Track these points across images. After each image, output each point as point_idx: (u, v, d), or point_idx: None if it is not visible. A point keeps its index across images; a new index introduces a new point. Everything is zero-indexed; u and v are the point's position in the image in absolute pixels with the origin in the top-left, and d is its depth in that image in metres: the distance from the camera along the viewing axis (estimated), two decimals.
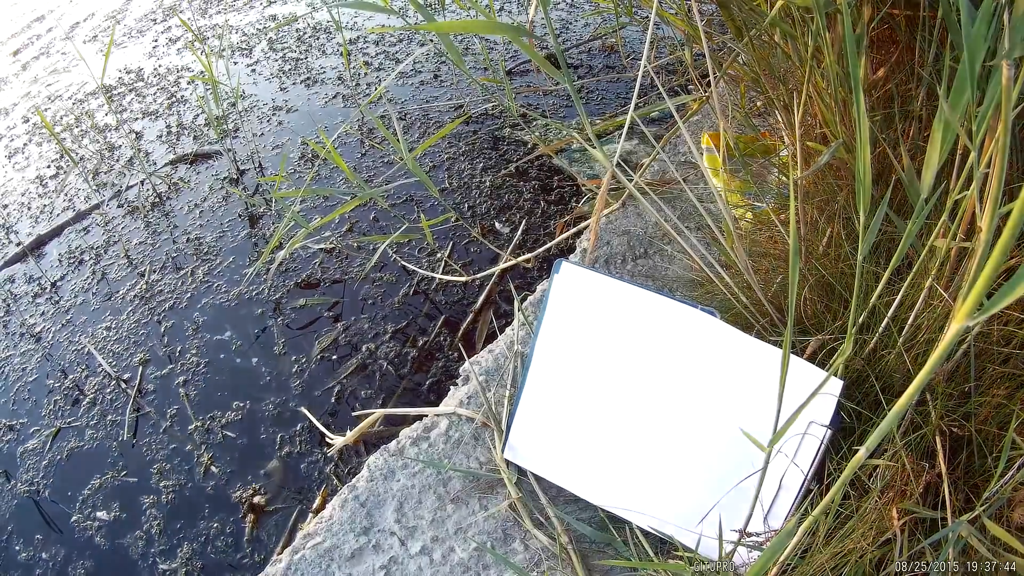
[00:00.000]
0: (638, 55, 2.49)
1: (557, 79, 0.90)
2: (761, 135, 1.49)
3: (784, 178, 1.32)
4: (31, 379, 1.78)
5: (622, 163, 1.51)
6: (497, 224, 1.89)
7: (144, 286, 1.96)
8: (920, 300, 0.87)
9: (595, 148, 1.04)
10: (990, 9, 0.58)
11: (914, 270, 0.86)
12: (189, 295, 1.89)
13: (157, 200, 2.31)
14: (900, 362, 0.91)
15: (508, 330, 1.43)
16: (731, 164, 1.42)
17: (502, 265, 1.68)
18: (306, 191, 1.45)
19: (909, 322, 0.89)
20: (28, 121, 3.12)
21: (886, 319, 0.91)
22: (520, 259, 1.68)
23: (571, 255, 1.61)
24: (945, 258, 0.84)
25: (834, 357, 0.88)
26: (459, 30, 0.90)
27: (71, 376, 1.76)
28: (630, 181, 1.42)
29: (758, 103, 1.52)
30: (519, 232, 1.84)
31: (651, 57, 2.03)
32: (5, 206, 2.52)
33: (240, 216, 2.15)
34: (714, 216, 1.31)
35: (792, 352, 0.95)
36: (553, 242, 1.69)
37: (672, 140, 1.86)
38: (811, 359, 0.97)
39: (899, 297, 0.88)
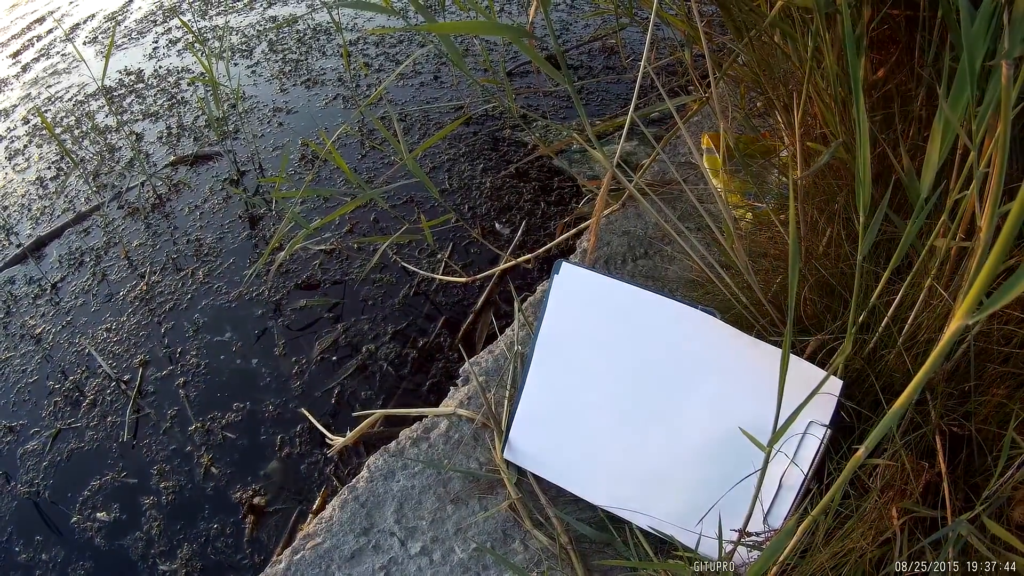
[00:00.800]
0: (638, 56, 2.49)
1: (557, 80, 0.90)
2: (761, 135, 1.49)
3: (784, 178, 1.32)
4: (31, 380, 1.79)
5: (622, 164, 1.51)
6: (497, 225, 1.89)
7: (144, 287, 1.96)
8: (920, 300, 0.87)
9: (595, 149, 1.04)
10: (990, 9, 0.58)
11: (914, 270, 0.86)
12: (189, 296, 1.89)
13: (157, 201, 2.31)
14: (900, 362, 0.91)
15: (508, 330, 1.43)
16: (731, 165, 1.43)
17: (502, 266, 1.68)
18: (306, 191, 1.45)
19: (909, 322, 0.89)
20: (29, 123, 3.13)
21: (886, 319, 0.91)
22: (520, 260, 1.68)
23: (571, 255, 1.61)
24: (945, 258, 0.84)
25: (834, 357, 0.88)
26: (460, 31, 0.90)
27: (71, 377, 1.76)
28: (630, 182, 1.42)
29: (758, 104, 1.52)
30: (519, 233, 1.84)
31: (651, 58, 2.03)
32: (6, 207, 2.52)
33: (240, 217, 2.16)
34: (714, 216, 1.31)
35: (792, 352, 0.95)
36: (553, 243, 1.69)
37: (672, 141, 1.86)
38: (811, 359, 0.97)
39: (899, 297, 0.88)
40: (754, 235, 1.27)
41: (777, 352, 0.95)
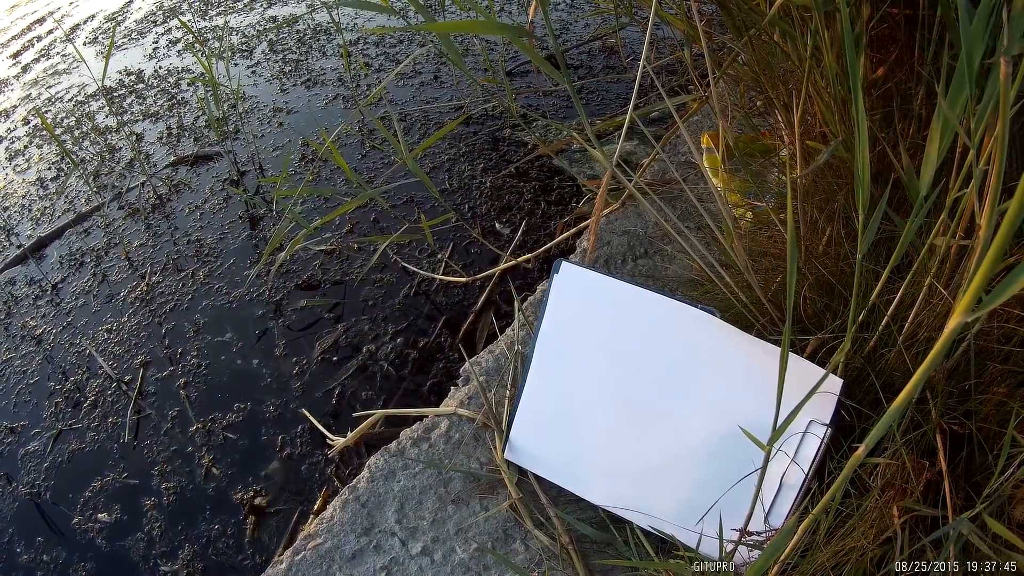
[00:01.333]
0: (638, 56, 2.48)
1: (557, 80, 0.90)
2: (761, 135, 1.49)
3: (784, 177, 1.32)
4: (32, 381, 1.79)
5: (622, 163, 1.51)
6: (497, 225, 1.89)
7: (145, 288, 1.96)
8: (920, 298, 0.87)
9: (595, 148, 1.04)
10: (988, 7, 0.58)
11: (914, 268, 0.86)
12: (190, 297, 1.89)
13: (158, 202, 2.32)
14: (900, 360, 0.91)
15: (508, 330, 1.43)
16: (731, 164, 1.42)
17: (502, 266, 1.68)
18: (306, 190, 1.45)
19: (909, 320, 0.89)
20: (29, 123, 3.13)
21: (886, 318, 0.91)
22: (520, 259, 1.68)
23: (571, 255, 1.61)
24: (945, 256, 0.84)
25: (834, 355, 0.88)
26: (459, 30, 0.90)
27: (72, 378, 1.76)
28: (630, 181, 1.42)
29: (758, 103, 1.52)
30: (519, 233, 1.84)
31: (651, 57, 2.03)
32: (6, 208, 2.52)
33: (241, 218, 2.16)
34: (714, 216, 1.31)
35: (792, 350, 0.95)
36: (553, 242, 1.69)
37: (672, 140, 1.86)
38: (811, 357, 0.97)
39: (899, 296, 0.88)
40: (754, 234, 1.27)
41: (777, 351, 0.95)
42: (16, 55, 4.11)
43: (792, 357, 0.92)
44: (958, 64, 0.61)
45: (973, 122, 0.65)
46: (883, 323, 0.91)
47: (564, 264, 1.10)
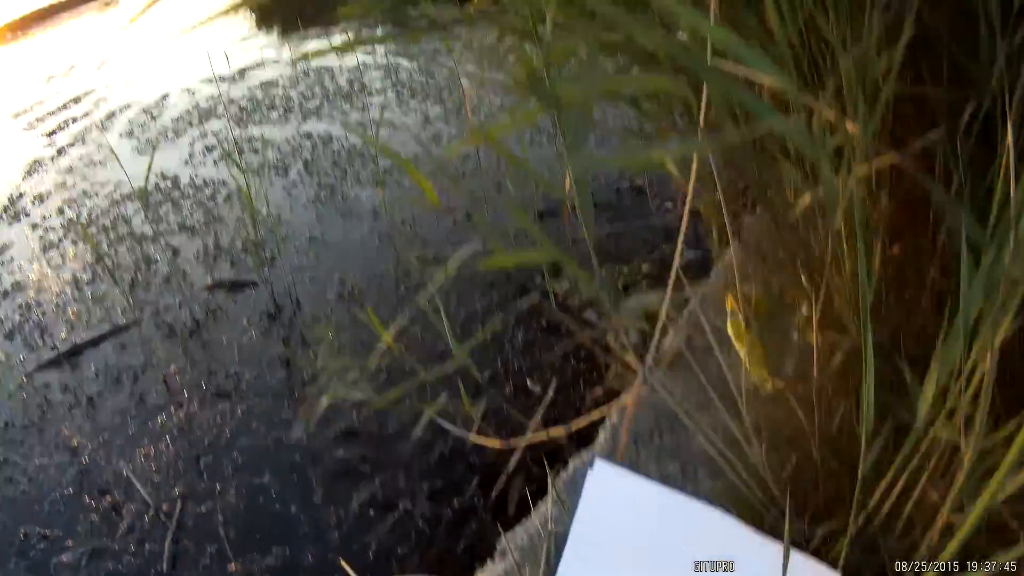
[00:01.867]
0: (665, 195, 2.60)
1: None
2: (783, 294, 1.55)
3: (803, 341, 1.38)
4: (67, 492, 1.86)
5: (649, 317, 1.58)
6: (528, 382, 1.99)
7: (183, 417, 2.04)
8: (914, 497, 0.95)
9: (628, 358, 1.14)
10: (987, 266, 0.68)
11: (912, 464, 0.93)
12: (228, 433, 1.98)
13: (195, 327, 2.42)
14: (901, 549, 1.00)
15: (541, 505, 1.51)
16: (754, 330, 1.49)
17: (529, 438, 1.74)
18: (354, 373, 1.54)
19: (903, 518, 0.97)
20: (63, 214, 3.23)
21: (884, 508, 0.99)
22: (551, 432, 1.75)
23: (601, 425, 1.69)
24: (944, 450, 0.93)
25: (834, 550, 0.98)
26: (517, 264, 0.97)
27: (108, 497, 1.83)
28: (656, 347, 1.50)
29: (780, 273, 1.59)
30: (551, 391, 1.92)
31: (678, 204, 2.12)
32: (40, 304, 2.61)
33: (278, 357, 2.25)
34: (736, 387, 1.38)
35: (798, 545, 1.06)
36: (584, 422, 1.74)
37: (700, 299, 1.93)
38: (819, 548, 1.07)
39: (901, 484, 0.96)
40: (774, 404, 1.34)
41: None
42: (51, 134, 4.25)
43: (796, 556, 1.03)
44: (956, 321, 0.72)
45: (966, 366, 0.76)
46: (882, 515, 1.00)
47: (598, 461, 1.23)
